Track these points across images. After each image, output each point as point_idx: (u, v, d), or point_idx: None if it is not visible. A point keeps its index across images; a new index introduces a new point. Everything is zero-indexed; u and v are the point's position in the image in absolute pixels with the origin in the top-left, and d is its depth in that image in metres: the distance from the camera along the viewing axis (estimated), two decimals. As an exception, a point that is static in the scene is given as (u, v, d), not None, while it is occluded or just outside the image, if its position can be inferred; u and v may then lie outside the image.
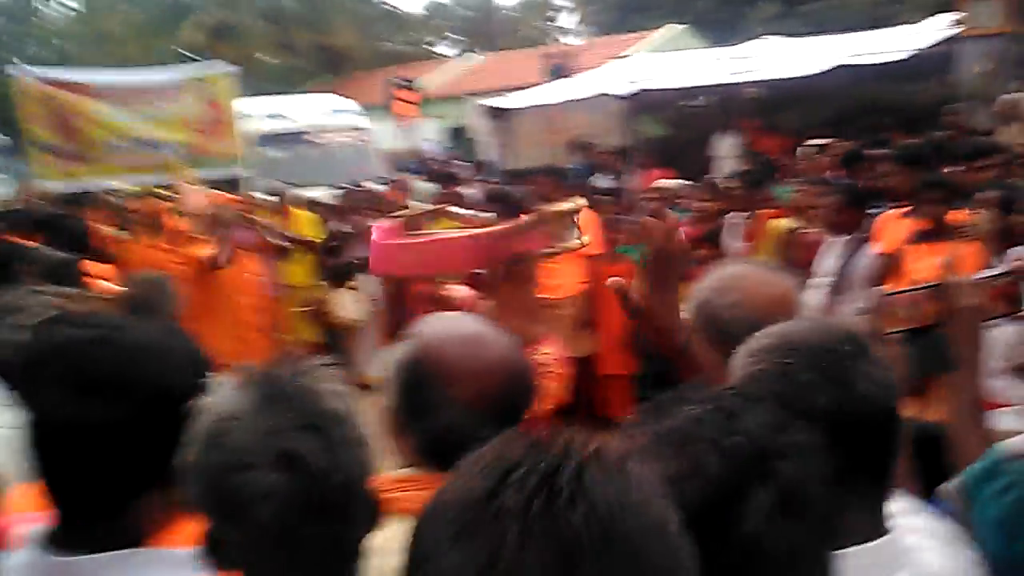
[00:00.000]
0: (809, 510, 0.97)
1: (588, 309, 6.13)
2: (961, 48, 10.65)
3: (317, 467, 1.13)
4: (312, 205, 9.22)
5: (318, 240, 8.42)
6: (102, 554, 1.27)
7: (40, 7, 32.59)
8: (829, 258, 5.22)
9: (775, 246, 5.82)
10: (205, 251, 5.41)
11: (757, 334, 1.36)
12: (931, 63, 11.10)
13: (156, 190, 7.35)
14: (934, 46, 10.82)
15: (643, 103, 13.21)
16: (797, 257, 5.81)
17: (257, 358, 1.31)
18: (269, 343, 5.53)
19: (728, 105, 12.17)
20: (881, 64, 10.54)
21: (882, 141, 7.32)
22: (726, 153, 11.53)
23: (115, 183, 8.83)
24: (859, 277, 4.91)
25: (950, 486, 1.54)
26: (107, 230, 6.95)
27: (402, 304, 8.18)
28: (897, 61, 10.48)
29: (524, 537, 0.73)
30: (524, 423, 1.47)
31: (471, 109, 15.85)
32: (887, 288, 2.00)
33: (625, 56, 16.84)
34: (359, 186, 9.77)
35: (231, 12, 28.04)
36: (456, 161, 14.33)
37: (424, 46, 34.36)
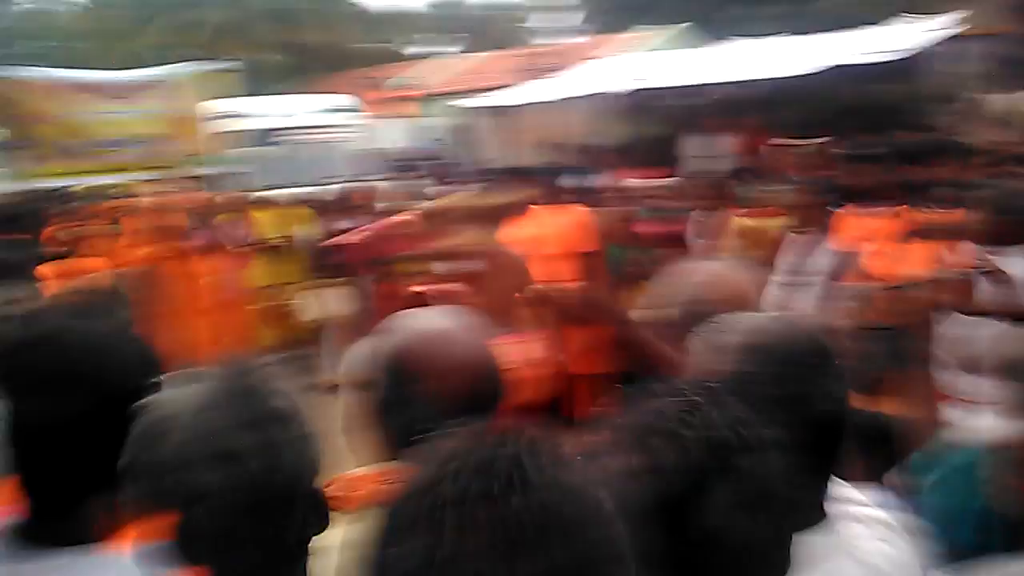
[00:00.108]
0: (769, 504, 0.98)
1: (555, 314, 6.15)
2: (944, 49, 10.75)
3: (256, 466, 1.12)
4: (306, 202, 9.19)
5: (281, 240, 8.39)
6: (47, 556, 1.26)
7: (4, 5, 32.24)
8: (791, 255, 5.27)
9: (740, 243, 5.87)
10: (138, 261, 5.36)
11: (722, 327, 1.36)
12: (922, 63, 11.14)
13: (117, 189, 7.31)
14: (923, 47, 10.85)
15: (626, 103, 13.26)
16: (761, 254, 5.86)
17: (212, 358, 1.30)
18: (227, 344, 5.48)
19: (696, 105, 12.23)
20: (852, 66, 10.62)
21: (855, 141, 7.39)
22: (694, 152, 11.59)
23: (77, 182, 8.78)
24: (819, 274, 4.95)
25: (896, 476, 1.56)
26: (66, 230, 6.89)
27: (373, 302, 8.21)
28: (877, 63, 10.54)
29: (463, 526, 0.74)
30: (494, 419, 1.48)
31: (470, 107, 15.85)
32: (846, 286, 2.02)
33: (618, 57, 16.88)
34: (355, 184, 9.73)
35: (232, 11, 27.84)
36: (452, 158, 14.32)
37: (424, 44, 34.23)
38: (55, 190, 8.52)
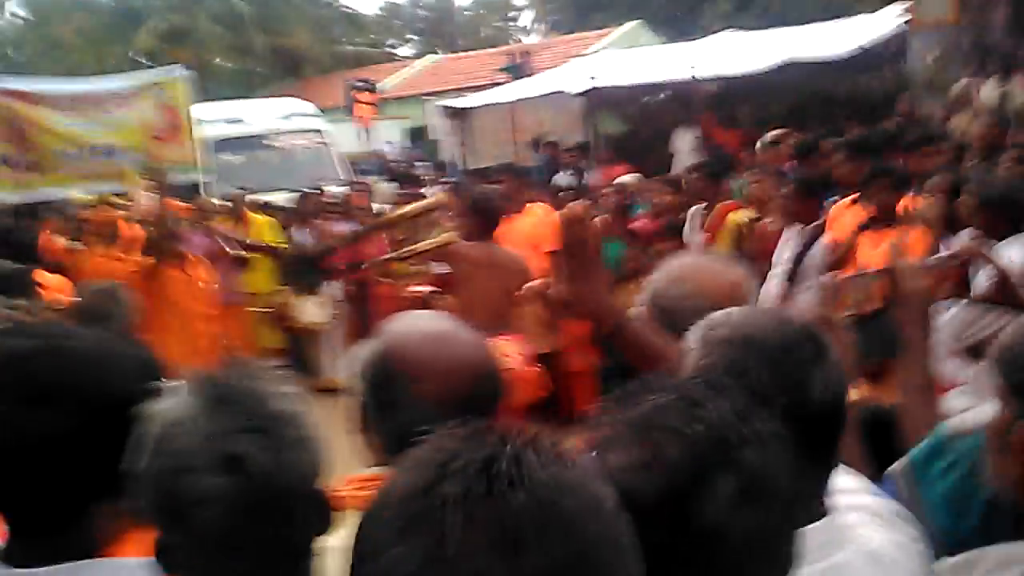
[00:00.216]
0: (771, 497, 0.98)
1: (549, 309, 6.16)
2: (912, 38, 10.81)
3: (260, 469, 1.12)
4: (267, 209, 9.16)
5: (277, 245, 8.37)
6: (55, 566, 1.26)
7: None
8: (785, 248, 5.30)
9: (733, 238, 5.89)
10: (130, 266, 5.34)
11: (713, 321, 1.36)
12: (883, 54, 11.27)
13: (110, 199, 7.26)
14: (884, 37, 10.98)
15: (602, 100, 13.27)
16: (755, 248, 5.88)
17: (209, 364, 1.30)
18: (222, 350, 5.47)
19: (686, 100, 12.25)
20: (834, 58, 10.68)
21: (836, 132, 7.42)
22: (685, 148, 11.61)
23: (70, 192, 8.71)
24: (813, 266, 4.99)
25: (898, 466, 1.56)
26: (60, 240, 6.86)
27: (365, 305, 8.20)
28: (850, 54, 10.62)
29: (466, 524, 0.74)
30: (490, 419, 1.47)
31: (431, 109, 15.82)
32: (837, 275, 2.02)
33: (585, 54, 16.89)
34: (319, 190, 9.72)
35: (185, 17, 27.69)
36: (417, 162, 14.29)
37: (383, 48, 34.20)
38: (49, 202, 8.49)
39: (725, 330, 1.32)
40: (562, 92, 13.04)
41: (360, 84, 16.48)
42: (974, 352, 2.80)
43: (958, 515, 1.43)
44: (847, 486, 1.39)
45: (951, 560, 1.23)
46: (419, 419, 1.39)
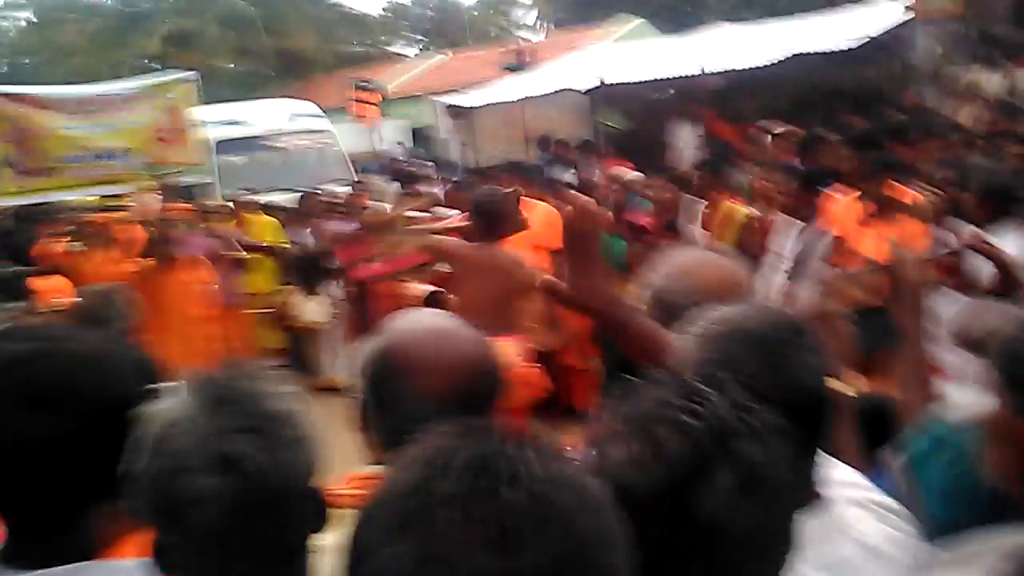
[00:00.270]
0: (770, 489, 0.99)
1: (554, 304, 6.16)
2: (915, 31, 10.79)
3: (256, 469, 1.12)
4: (267, 209, 9.17)
5: (278, 245, 8.39)
6: (54, 568, 1.26)
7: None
8: (787, 242, 5.29)
9: (734, 232, 5.88)
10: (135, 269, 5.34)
11: (703, 320, 1.38)
12: (887, 46, 11.22)
13: (111, 202, 7.29)
14: (889, 30, 10.95)
15: (604, 96, 13.25)
16: (756, 242, 5.87)
17: (208, 366, 1.30)
18: (221, 352, 5.47)
19: (688, 95, 12.24)
20: (839, 51, 10.64)
21: (838, 125, 7.40)
22: (687, 143, 11.59)
23: (73, 196, 8.74)
24: (815, 260, 4.98)
25: (895, 458, 1.56)
26: (61, 244, 6.89)
27: (365, 304, 8.21)
28: (855, 47, 10.59)
29: (462, 521, 0.74)
30: (492, 417, 1.48)
31: (436, 109, 15.82)
32: (838, 269, 2.02)
33: (589, 51, 16.86)
34: (318, 191, 9.73)
35: (187, 19, 27.77)
36: (419, 160, 14.28)
37: (384, 47, 34.22)
38: (38, 205, 8.51)
39: (716, 325, 1.34)
40: (568, 89, 13.03)
41: (361, 83, 16.47)
42: (975, 345, 2.79)
43: (957, 508, 1.43)
44: (845, 479, 1.39)
45: (950, 552, 1.23)
46: (417, 415, 1.41)
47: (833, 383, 1.33)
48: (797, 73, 11.73)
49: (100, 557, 1.30)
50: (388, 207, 8.82)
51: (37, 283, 4.16)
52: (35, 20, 31.27)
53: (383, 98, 16.41)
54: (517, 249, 6.23)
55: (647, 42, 16.43)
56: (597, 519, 0.80)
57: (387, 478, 0.83)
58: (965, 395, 2.05)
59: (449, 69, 23.44)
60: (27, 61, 30.21)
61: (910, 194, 4.70)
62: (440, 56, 27.14)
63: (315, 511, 1.22)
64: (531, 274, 4.42)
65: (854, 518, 1.31)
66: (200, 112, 9.68)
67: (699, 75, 11.33)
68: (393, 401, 1.47)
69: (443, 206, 8.66)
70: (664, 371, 1.12)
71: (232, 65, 30.14)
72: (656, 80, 12.77)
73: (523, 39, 30.47)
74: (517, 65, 16.94)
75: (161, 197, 7.54)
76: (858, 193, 4.93)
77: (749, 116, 12.01)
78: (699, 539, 0.96)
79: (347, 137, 14.18)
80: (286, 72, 29.42)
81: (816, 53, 10.75)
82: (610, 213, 6.66)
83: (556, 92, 13.25)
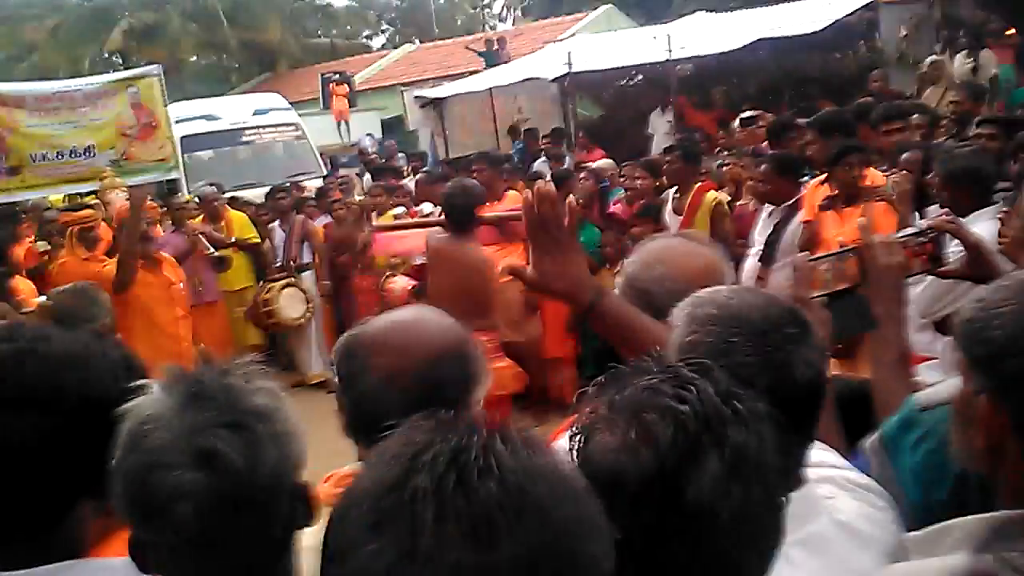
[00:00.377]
0: (758, 474, 1.00)
1: (526, 291, 6.18)
2: (882, 14, 10.87)
3: (236, 464, 1.12)
4: (235, 204, 9.10)
5: (254, 240, 8.33)
6: (39, 568, 1.26)
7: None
8: (762, 227, 5.33)
9: (710, 219, 5.92)
10: (109, 269, 5.25)
11: (698, 299, 1.38)
12: (854, 30, 11.31)
13: (87, 200, 7.21)
14: (854, 13, 11.03)
15: (578, 84, 13.25)
16: (731, 228, 5.92)
17: (193, 360, 1.30)
18: (197, 350, 5.43)
19: (661, 83, 12.26)
20: (806, 34, 10.70)
21: (808, 111, 7.44)
22: (661, 130, 11.62)
23: (45, 196, 8.63)
24: (788, 245, 5.02)
25: (869, 440, 1.59)
26: (37, 244, 6.82)
27: (344, 299, 8.16)
28: (821, 30, 10.66)
29: (440, 516, 0.74)
30: (466, 409, 1.48)
31: (407, 100, 15.75)
32: (809, 254, 2.04)
33: (560, 40, 16.85)
34: (294, 185, 9.68)
35: (150, 13, 27.38)
36: (390, 152, 14.22)
37: (356, 39, 33.99)
38: (14, 204, 8.41)
39: (711, 308, 1.34)
40: (537, 78, 13.02)
41: (334, 76, 16.38)
42: (944, 326, 2.83)
43: (929, 487, 1.45)
44: (821, 459, 1.41)
45: (919, 532, 1.25)
46: (386, 407, 1.42)
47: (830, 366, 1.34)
48: (765, 59, 11.80)
49: (86, 556, 1.30)
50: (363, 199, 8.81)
51: (17, 282, 4.11)
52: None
53: (351, 90, 16.34)
54: (489, 239, 6.25)
55: (619, 32, 16.42)
56: (574, 509, 0.80)
57: (360, 475, 0.83)
58: (935, 376, 2.09)
59: (420, 59, 23.33)
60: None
61: (877, 177, 4.75)
62: (408, 46, 27.01)
63: (299, 507, 1.22)
64: (494, 269, 4.42)
65: (835, 498, 1.34)
66: (166, 107, 9.58)
67: (667, 61, 11.35)
68: (362, 393, 1.48)
69: (415, 197, 8.67)
70: (651, 357, 1.12)
71: (197, 59, 29.82)
72: (625, 67, 12.79)
73: (491, 28, 30.41)
74: (489, 52, 16.87)
75: (128, 194, 7.47)
76: (824, 177, 4.97)
77: (720, 103, 12.07)
78: (688, 525, 0.97)
79: (316, 130, 14.09)
80: (252, 65, 29.16)
81: (783, 37, 10.81)
82: (582, 200, 6.68)
83: (525, 80, 13.23)
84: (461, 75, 16.42)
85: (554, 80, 12.96)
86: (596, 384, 1.10)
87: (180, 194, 8.94)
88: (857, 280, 1.91)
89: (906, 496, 1.46)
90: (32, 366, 1.29)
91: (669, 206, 6.28)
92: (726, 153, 7.79)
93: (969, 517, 1.17)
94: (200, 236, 7.55)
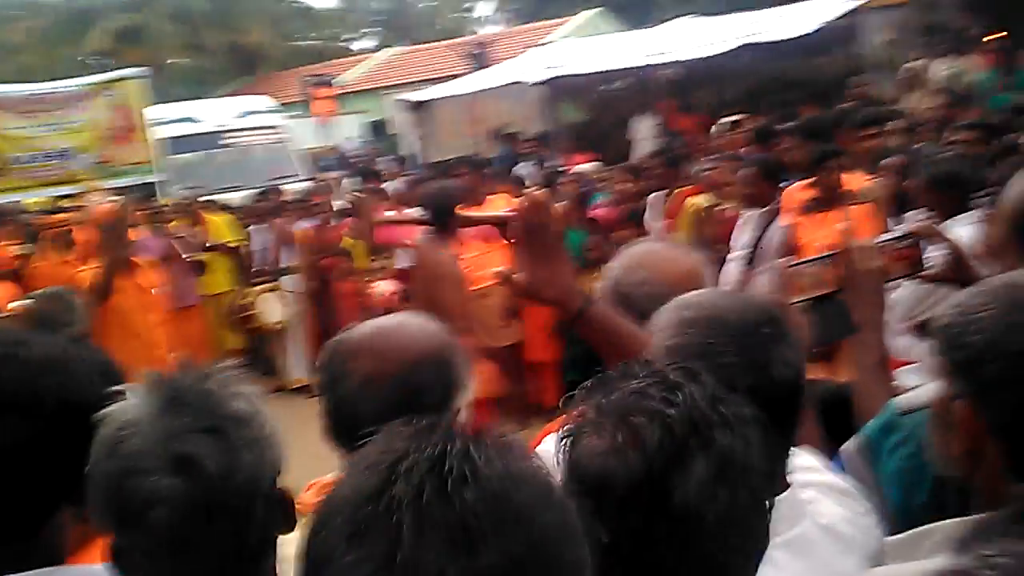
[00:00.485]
0: (744, 478, 1.00)
1: (513, 297, 6.18)
2: (864, 19, 10.95)
3: (212, 470, 1.12)
4: (217, 207, 9.07)
5: (236, 244, 8.29)
6: (20, 575, 1.25)
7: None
8: (744, 232, 5.36)
9: (693, 223, 5.94)
10: (85, 275, 5.20)
11: (677, 304, 1.39)
12: (836, 36, 11.39)
13: (65, 203, 7.17)
14: (837, 18, 11.11)
15: (562, 89, 13.29)
16: (714, 233, 5.94)
17: (171, 365, 1.29)
18: (176, 355, 5.38)
19: (645, 87, 12.32)
20: (789, 39, 10.78)
21: (790, 115, 7.49)
22: (645, 134, 11.67)
23: (23, 198, 8.57)
24: (770, 249, 5.05)
25: (850, 444, 1.59)
26: (12, 247, 6.76)
27: (327, 302, 8.13)
28: (803, 36, 10.73)
29: (420, 525, 0.74)
30: (449, 414, 1.48)
31: (391, 103, 15.76)
32: (790, 259, 2.05)
33: (544, 44, 16.89)
34: (277, 188, 9.64)
35: (136, 15, 27.24)
36: (378, 156, 14.22)
37: (340, 41, 33.94)
38: (2, 207, 8.34)
39: (690, 311, 1.35)
40: (522, 82, 13.05)
41: (318, 79, 16.36)
42: (924, 329, 2.84)
43: (909, 491, 1.46)
44: (803, 463, 1.42)
45: (898, 536, 1.26)
46: (366, 413, 1.41)
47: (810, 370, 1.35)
48: (748, 63, 11.87)
49: (66, 562, 1.29)
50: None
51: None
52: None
53: (339, 93, 16.34)
54: (475, 244, 6.24)
55: (603, 36, 16.48)
56: (554, 515, 0.79)
57: (340, 483, 0.82)
58: (916, 379, 2.10)
59: (404, 63, 23.35)
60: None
61: (858, 182, 4.78)
62: (394, 49, 27.01)
63: (279, 512, 1.21)
64: (462, 273, 4.40)
65: (811, 499, 1.35)
66: (151, 110, 9.55)
67: (651, 66, 11.41)
68: (341, 398, 1.48)
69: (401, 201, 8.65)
70: (637, 362, 1.12)
71: (183, 61, 29.68)
72: (609, 71, 12.83)
73: (477, 31, 30.45)
74: (476, 57, 16.90)
75: (107, 198, 7.42)
76: (807, 182, 5.00)
77: (704, 107, 12.13)
78: (675, 528, 0.98)
79: (302, 133, 14.06)
80: (238, 67, 29.04)
81: (766, 43, 10.88)
82: (568, 205, 6.69)
83: (511, 84, 13.26)
84: (445, 78, 16.43)
85: (538, 84, 13.00)
86: (583, 388, 1.10)
87: (158, 197, 8.89)
88: (837, 286, 1.92)
89: (887, 499, 1.46)
90: (10, 371, 1.28)
91: (653, 210, 6.30)
92: (708, 158, 7.82)
93: (948, 520, 1.18)
94: (178, 240, 7.52)
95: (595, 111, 14.69)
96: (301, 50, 29.72)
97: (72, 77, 11.13)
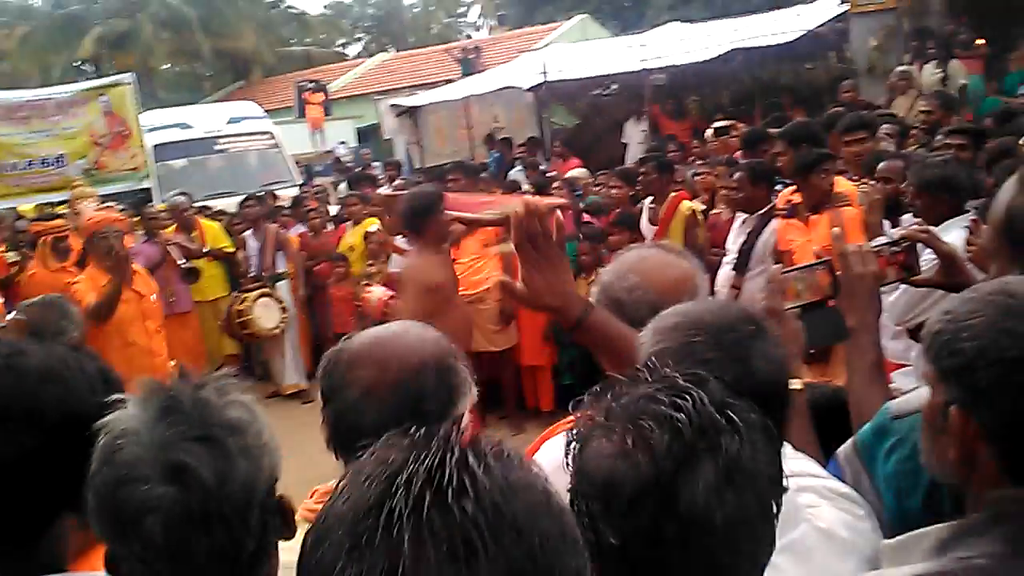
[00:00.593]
0: (752, 483, 1.02)
1: (509, 302, 6.18)
2: (853, 24, 11.01)
3: (205, 478, 1.12)
4: (207, 213, 9.05)
5: (228, 250, 8.27)
6: None
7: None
8: (736, 236, 5.37)
9: (684, 228, 5.95)
10: (89, 297, 5.15)
11: (662, 313, 1.41)
12: (826, 41, 11.46)
13: (59, 210, 7.15)
14: (825, 24, 11.18)
15: (553, 94, 13.32)
16: (705, 237, 5.96)
17: (169, 372, 1.30)
18: (171, 363, 5.36)
19: (636, 92, 12.35)
20: (778, 45, 10.83)
21: (780, 120, 7.51)
22: (636, 139, 11.70)
23: (10, 205, 8.54)
24: (762, 254, 5.07)
25: (843, 449, 1.60)
26: (4, 254, 6.74)
27: (320, 308, 8.08)
28: (793, 41, 10.79)
29: (418, 538, 0.74)
30: (446, 422, 1.48)
31: (382, 108, 15.75)
32: (782, 266, 2.06)
33: (535, 49, 16.93)
34: (269, 194, 9.62)
35: (121, 20, 27.15)
36: (370, 162, 14.21)
37: (331, 47, 33.93)
38: None
39: (673, 318, 1.38)
40: (513, 87, 13.06)
41: (309, 85, 16.35)
42: (918, 333, 2.85)
43: (902, 495, 1.47)
44: (801, 469, 1.43)
45: (894, 540, 1.27)
46: (351, 404, 1.43)
47: (791, 378, 1.37)
48: (738, 69, 11.93)
49: (68, 569, 1.30)
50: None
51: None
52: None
53: (326, 98, 16.33)
54: (468, 249, 6.24)
55: (594, 42, 16.53)
56: (552, 524, 0.80)
57: (338, 495, 0.82)
58: (910, 382, 2.11)
59: (396, 68, 23.35)
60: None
61: (846, 186, 4.80)
62: (383, 55, 27.01)
63: (277, 520, 1.22)
64: (434, 282, 4.39)
65: (807, 503, 1.36)
66: (138, 116, 9.51)
67: (642, 71, 11.44)
68: (342, 408, 1.48)
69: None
70: (645, 367, 1.13)
71: (170, 66, 29.63)
72: (600, 76, 12.86)
73: (466, 37, 30.47)
74: (465, 60, 16.91)
75: (98, 204, 7.41)
76: (795, 187, 5.02)
77: (694, 112, 12.17)
78: (683, 531, 0.99)
79: (291, 138, 14.03)
80: (226, 73, 29.02)
81: (756, 48, 10.93)
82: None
83: (501, 89, 13.27)
84: (436, 84, 16.45)
85: (530, 89, 13.02)
86: (591, 394, 1.11)
87: (153, 203, 8.86)
88: (829, 293, 1.93)
89: (882, 503, 1.47)
90: (10, 381, 1.29)
91: (645, 215, 6.31)
92: (700, 162, 7.84)
93: (942, 524, 1.19)
94: (173, 246, 7.50)
95: (586, 116, 14.72)
96: (292, 56, 29.69)
97: (64, 83, 11.13)
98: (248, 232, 8.31)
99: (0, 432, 1.24)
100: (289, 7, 32.89)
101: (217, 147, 12.74)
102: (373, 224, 7.77)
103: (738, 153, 7.10)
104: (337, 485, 0.84)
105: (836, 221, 4.36)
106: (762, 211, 5.24)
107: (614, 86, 13.90)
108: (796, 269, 1.99)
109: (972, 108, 8.88)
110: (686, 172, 7.34)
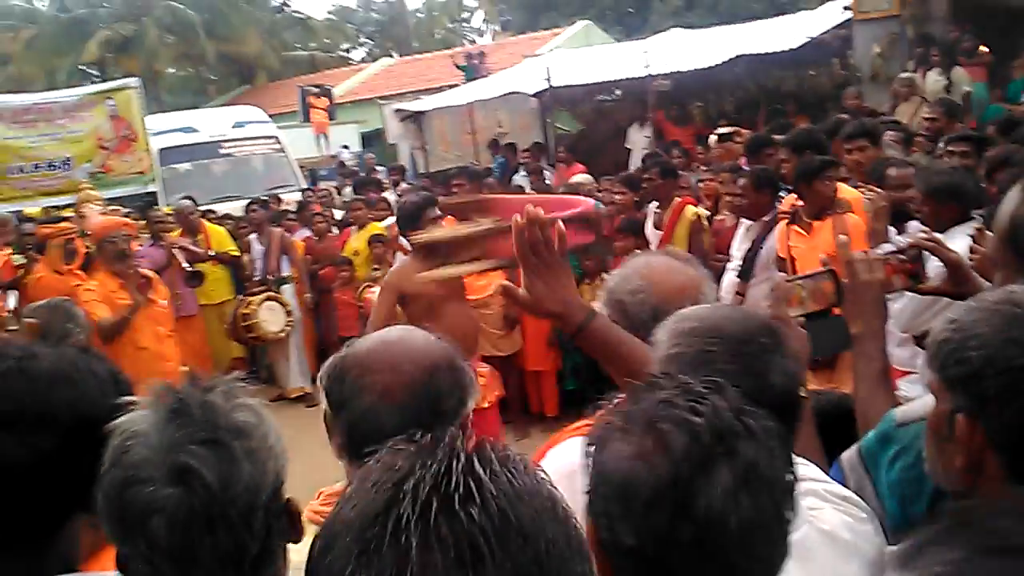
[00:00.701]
0: (768, 488, 1.03)
1: (512, 307, 6.19)
2: (857, 31, 11.01)
3: (210, 481, 1.14)
4: (210, 217, 9.07)
5: (234, 254, 8.28)
6: None
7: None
8: (740, 242, 5.37)
9: (689, 233, 5.96)
10: (100, 309, 5.14)
11: (679, 315, 1.42)
12: (829, 48, 11.46)
13: (66, 213, 7.16)
14: (829, 30, 11.18)
15: (558, 99, 13.33)
16: (710, 243, 5.96)
17: (177, 376, 1.31)
18: (179, 366, 5.37)
19: (639, 98, 12.36)
20: (782, 51, 10.84)
21: (784, 127, 7.51)
22: (640, 145, 11.70)
23: (16, 208, 8.55)
24: (766, 260, 5.07)
25: (846, 455, 1.61)
26: (13, 257, 6.74)
27: (325, 312, 8.07)
28: (797, 47, 10.80)
29: (428, 542, 0.75)
30: (453, 426, 1.48)
31: (386, 113, 15.76)
32: (787, 275, 2.07)
33: (538, 54, 16.95)
34: (275, 198, 9.63)
35: (126, 24, 27.19)
36: (374, 166, 14.22)
37: (335, 52, 33.97)
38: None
39: (691, 322, 1.39)
40: (517, 92, 13.08)
41: (314, 89, 16.37)
42: (923, 341, 2.85)
43: (907, 502, 1.47)
44: (803, 473, 1.43)
45: (897, 547, 1.28)
46: (365, 411, 1.44)
47: (803, 386, 1.37)
48: (742, 75, 11.93)
49: (80, 569, 1.31)
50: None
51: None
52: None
53: (331, 103, 16.34)
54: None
55: (598, 47, 16.54)
56: (561, 530, 0.81)
57: (345, 501, 0.83)
58: (916, 389, 2.12)
59: (400, 73, 23.35)
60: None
61: (850, 193, 4.79)
62: (387, 59, 27.02)
63: (278, 523, 1.23)
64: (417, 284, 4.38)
65: (819, 509, 1.37)
66: (144, 120, 9.53)
67: (645, 77, 11.45)
68: (358, 415, 1.48)
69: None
70: (661, 373, 1.15)
71: (175, 71, 29.66)
72: (603, 82, 12.88)
73: (470, 42, 30.52)
74: (469, 66, 16.92)
75: (103, 207, 7.42)
76: (798, 193, 5.02)
77: (698, 118, 12.18)
78: (699, 533, 1.00)
79: (295, 142, 14.05)
80: (231, 77, 29.06)
81: (759, 54, 10.94)
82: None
83: (505, 95, 13.29)
84: (440, 89, 16.46)
85: (534, 95, 13.03)
86: (615, 395, 1.13)
87: (159, 206, 8.88)
88: (833, 301, 1.93)
89: (884, 510, 1.48)
90: (21, 385, 1.30)
91: (650, 220, 6.32)
92: (704, 169, 7.85)
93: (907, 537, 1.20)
94: (178, 250, 7.51)
95: (590, 121, 14.73)
96: (296, 60, 29.72)
97: (69, 87, 11.16)
98: (253, 236, 8.32)
99: (13, 435, 1.25)
100: (294, 12, 32.92)
101: (222, 151, 12.75)
102: (377, 229, 7.78)
103: (742, 159, 7.10)
104: (344, 491, 0.85)
105: (839, 227, 4.37)
106: (766, 217, 5.24)
107: (618, 92, 13.92)
108: (800, 278, 1.99)
109: (976, 115, 8.87)
110: (691, 178, 7.34)
